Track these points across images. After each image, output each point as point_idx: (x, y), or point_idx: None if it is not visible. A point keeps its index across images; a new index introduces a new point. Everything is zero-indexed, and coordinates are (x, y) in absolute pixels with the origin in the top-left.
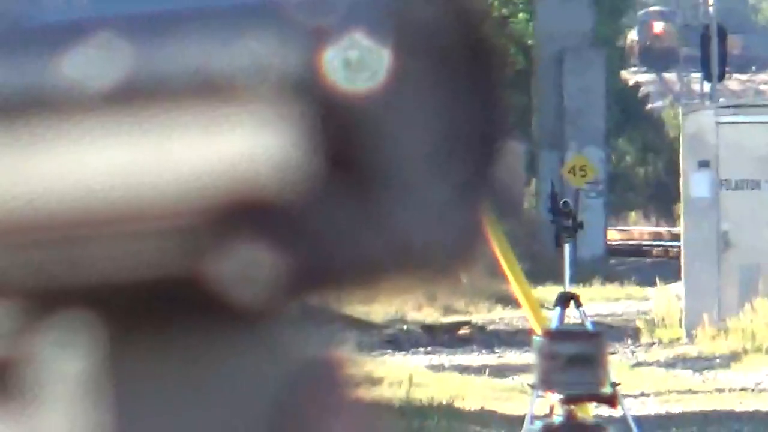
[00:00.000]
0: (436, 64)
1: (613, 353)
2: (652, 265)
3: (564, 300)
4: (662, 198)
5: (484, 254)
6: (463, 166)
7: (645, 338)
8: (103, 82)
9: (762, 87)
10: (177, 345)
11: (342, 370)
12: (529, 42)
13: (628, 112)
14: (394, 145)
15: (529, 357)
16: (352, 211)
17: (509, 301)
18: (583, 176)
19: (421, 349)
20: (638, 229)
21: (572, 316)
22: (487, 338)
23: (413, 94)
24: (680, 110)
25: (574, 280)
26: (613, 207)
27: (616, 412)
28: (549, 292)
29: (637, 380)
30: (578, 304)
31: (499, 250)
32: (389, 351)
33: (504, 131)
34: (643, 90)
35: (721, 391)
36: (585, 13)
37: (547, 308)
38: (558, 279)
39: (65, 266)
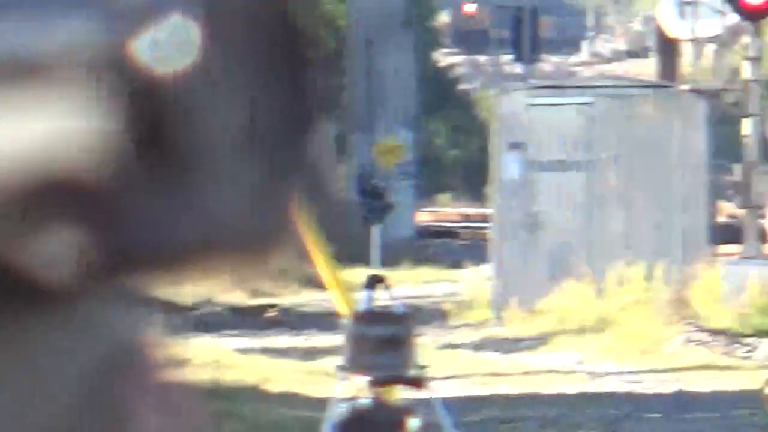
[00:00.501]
0: (246, 46)
1: (421, 335)
2: (462, 247)
3: (372, 282)
4: (474, 180)
5: (293, 236)
6: (273, 148)
7: (454, 320)
8: None
9: (574, 69)
10: None
11: (151, 352)
12: (340, 23)
13: (440, 94)
14: (204, 127)
15: (337, 339)
16: (162, 193)
17: (317, 283)
18: (393, 158)
19: (229, 332)
20: (448, 210)
21: (381, 298)
22: (295, 321)
23: (223, 77)
24: (492, 92)
25: (383, 262)
26: (424, 189)
27: (424, 395)
28: (358, 274)
29: (445, 362)
30: (387, 287)
31: (307, 231)
32: (198, 333)
33: (314, 113)
34: (455, 72)
35: (528, 373)
36: None
37: (356, 290)
38: (367, 261)
39: None
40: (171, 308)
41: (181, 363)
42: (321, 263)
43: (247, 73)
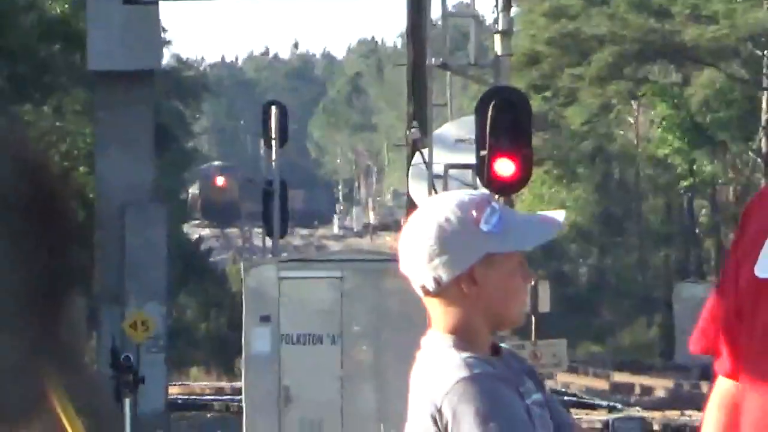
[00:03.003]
0: None
1: None
2: (213, 420)
3: None
4: (224, 353)
5: (45, 410)
6: (25, 322)
7: None
8: None
9: (323, 242)
10: None
11: None
12: (90, 195)
13: (191, 267)
14: None
15: None
16: None
17: None
18: (145, 331)
19: None
20: (199, 384)
21: None
22: None
23: None
24: (242, 265)
25: None
26: (175, 362)
27: None
28: None
29: None
30: None
31: (60, 406)
32: None
33: (66, 287)
34: (205, 244)
35: None
36: (146, 167)
37: None
38: None
39: None
40: None
41: None
42: None
43: (0, 246)
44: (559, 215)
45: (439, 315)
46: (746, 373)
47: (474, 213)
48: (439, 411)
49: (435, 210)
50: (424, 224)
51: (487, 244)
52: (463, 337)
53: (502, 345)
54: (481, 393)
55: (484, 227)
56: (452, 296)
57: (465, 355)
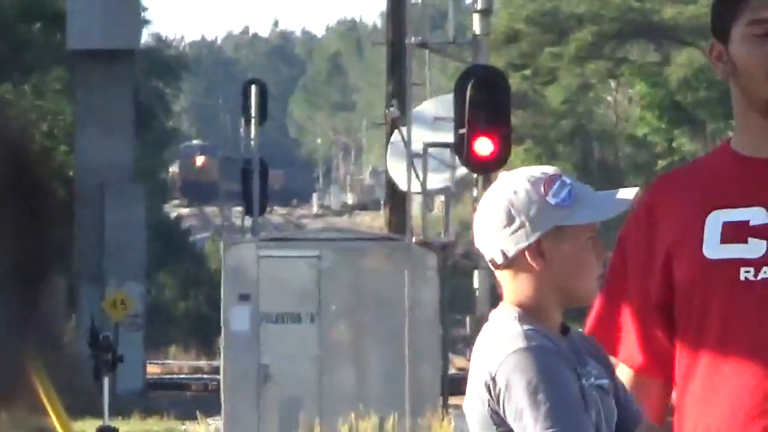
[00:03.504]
0: None
1: None
2: (192, 399)
3: None
4: (203, 331)
5: (25, 388)
6: (7, 303)
7: None
8: None
9: (302, 221)
10: None
11: None
12: (70, 174)
13: (170, 246)
14: None
15: None
16: None
17: None
18: (123, 310)
19: None
20: (178, 362)
21: None
22: None
23: None
24: (221, 244)
25: (114, 414)
26: (153, 341)
27: None
28: (89, 426)
29: None
30: None
31: (39, 383)
32: None
33: (46, 266)
34: (184, 223)
35: None
36: (125, 147)
37: None
38: (98, 413)
39: None
40: None
41: None
42: (53, 415)
43: None
44: (631, 192)
45: (508, 289)
46: (709, 357)
47: (543, 186)
48: (494, 380)
49: (506, 183)
50: (495, 197)
51: (555, 217)
52: (529, 311)
53: (579, 330)
54: (535, 365)
55: (552, 200)
56: (520, 269)
57: (525, 327)
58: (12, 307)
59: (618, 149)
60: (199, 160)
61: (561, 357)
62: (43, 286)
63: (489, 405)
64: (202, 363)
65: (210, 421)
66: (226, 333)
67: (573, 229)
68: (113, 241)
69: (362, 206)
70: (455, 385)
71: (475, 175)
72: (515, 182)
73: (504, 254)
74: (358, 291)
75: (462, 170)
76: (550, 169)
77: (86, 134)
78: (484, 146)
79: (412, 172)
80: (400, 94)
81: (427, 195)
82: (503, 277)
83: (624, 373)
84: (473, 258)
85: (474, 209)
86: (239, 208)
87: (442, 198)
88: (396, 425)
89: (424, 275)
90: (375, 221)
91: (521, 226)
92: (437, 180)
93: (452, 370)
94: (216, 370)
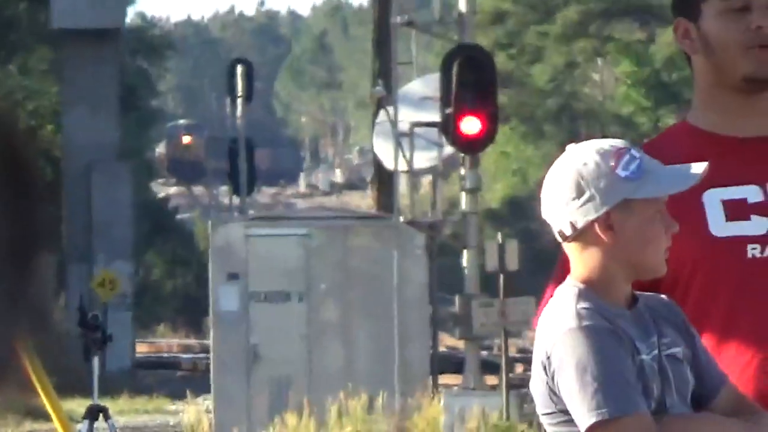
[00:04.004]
0: None
1: None
2: (181, 378)
3: (92, 413)
4: (191, 310)
5: (15, 368)
6: None
7: None
8: None
9: (290, 200)
10: None
11: None
12: (57, 153)
13: (157, 225)
14: None
15: None
16: None
17: (39, 414)
18: (111, 289)
19: None
20: (167, 341)
21: (102, 428)
22: None
23: None
24: (209, 223)
25: (103, 393)
26: (141, 320)
27: None
28: (78, 405)
29: None
30: (107, 417)
31: (28, 362)
32: None
33: (35, 245)
34: (171, 202)
35: None
36: (112, 126)
37: (77, 421)
38: (86, 392)
39: None
40: None
41: None
42: (42, 394)
43: None
44: (700, 167)
45: (576, 262)
46: (716, 335)
47: (612, 159)
48: (549, 359)
49: (575, 156)
50: (564, 169)
51: (623, 190)
52: (595, 285)
53: (659, 296)
54: (585, 345)
55: (621, 173)
56: (588, 242)
57: (582, 305)
58: (1, 287)
59: (604, 128)
60: (186, 139)
61: (615, 335)
62: (32, 266)
63: (547, 384)
64: (192, 342)
65: (199, 400)
66: (215, 312)
67: (641, 203)
68: (101, 221)
69: (350, 185)
70: (444, 363)
71: (462, 154)
72: (584, 154)
73: (573, 226)
74: (346, 270)
75: (449, 149)
76: (618, 142)
77: (72, 114)
78: (470, 125)
79: (399, 151)
80: (387, 74)
81: (415, 174)
82: (570, 249)
83: None
84: (461, 237)
85: (461, 188)
86: (226, 187)
87: (429, 177)
88: (385, 404)
89: (412, 254)
90: (363, 201)
91: (591, 198)
92: (424, 159)
93: (441, 349)
94: (206, 349)
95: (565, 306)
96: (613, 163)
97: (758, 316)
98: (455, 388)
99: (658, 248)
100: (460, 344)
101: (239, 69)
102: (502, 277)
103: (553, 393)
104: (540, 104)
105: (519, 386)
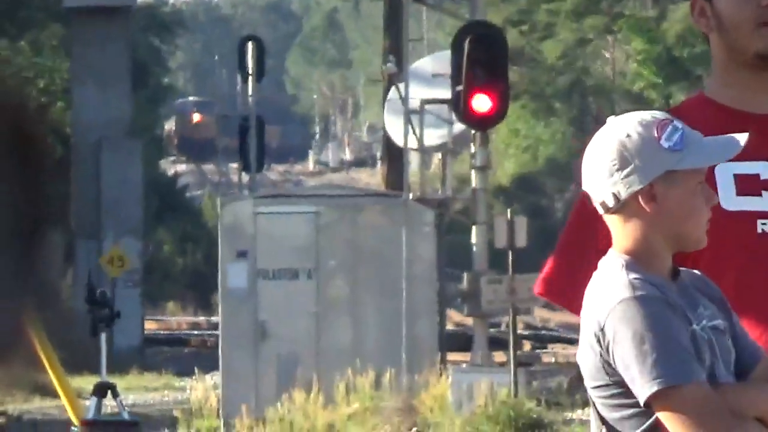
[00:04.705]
0: None
1: None
2: (190, 355)
3: (101, 390)
4: (200, 288)
5: (23, 343)
6: (4, 259)
7: (182, 429)
8: None
9: (300, 177)
10: None
11: None
12: (67, 130)
13: (167, 202)
14: None
15: None
16: None
17: (47, 390)
18: (120, 266)
19: None
20: (176, 318)
21: (110, 405)
22: (23, 428)
23: None
24: (218, 200)
25: (111, 370)
26: (150, 297)
27: None
28: (86, 382)
29: None
30: (115, 394)
31: (37, 339)
32: None
33: (44, 221)
34: (181, 180)
35: None
36: (122, 103)
37: (85, 398)
38: (95, 369)
39: None
40: None
41: None
42: (50, 370)
43: None
44: (742, 137)
45: (619, 233)
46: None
47: (656, 130)
48: (602, 330)
49: (617, 127)
50: (606, 140)
51: (667, 161)
52: (639, 257)
53: (693, 271)
54: (641, 315)
55: (665, 144)
56: (631, 213)
57: (633, 276)
58: (9, 263)
59: (615, 105)
60: (196, 116)
61: (669, 305)
62: (40, 242)
63: (601, 355)
64: (201, 319)
65: (208, 376)
66: (224, 289)
67: (684, 174)
68: (110, 197)
69: (360, 162)
70: (452, 340)
71: (472, 131)
72: (627, 126)
73: (616, 198)
74: (355, 247)
75: (459, 126)
76: (660, 114)
77: (83, 91)
78: (481, 102)
79: (410, 128)
80: (398, 51)
81: (425, 151)
82: (613, 221)
83: None
84: (470, 214)
85: (471, 165)
86: (236, 165)
87: (439, 154)
88: (393, 381)
89: (421, 231)
90: (372, 178)
91: (635, 169)
92: (434, 136)
93: (449, 326)
94: (214, 326)
95: (615, 277)
96: (656, 134)
97: (767, 290)
98: (463, 365)
99: (700, 220)
100: (469, 321)
101: (250, 46)
102: (510, 253)
103: (608, 365)
104: (551, 81)
105: (527, 363)
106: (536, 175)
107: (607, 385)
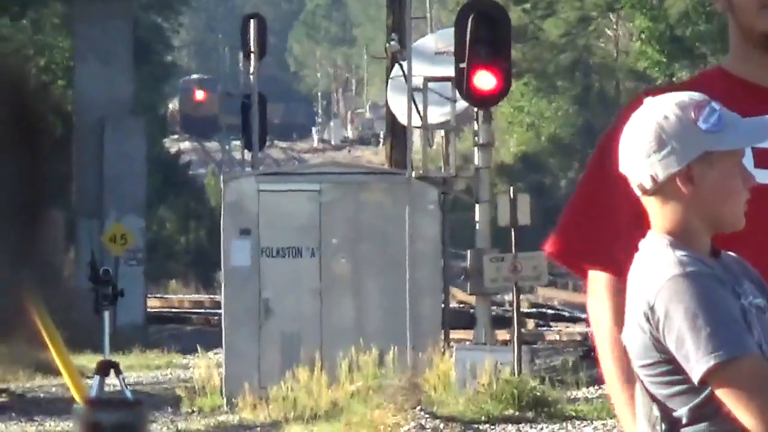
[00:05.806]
0: None
1: (153, 422)
2: (193, 333)
3: (103, 368)
4: (203, 265)
5: (25, 321)
6: (6, 237)
7: (185, 407)
8: None
9: (303, 155)
10: None
11: None
12: (69, 108)
13: (170, 180)
14: None
15: (70, 425)
16: None
17: (49, 369)
18: (123, 244)
19: None
20: (178, 296)
21: (113, 384)
22: (26, 406)
23: None
24: (221, 177)
25: (114, 348)
26: (153, 274)
27: None
28: (89, 360)
29: None
30: (118, 372)
31: (38, 317)
32: None
33: (45, 199)
34: (184, 158)
35: None
36: (125, 81)
37: (88, 376)
38: (97, 347)
39: None
40: None
41: None
42: (53, 348)
43: None
44: None
45: (657, 215)
46: None
47: (693, 111)
48: (652, 308)
49: (654, 108)
50: (644, 122)
51: (704, 142)
52: (679, 237)
53: (730, 252)
54: (693, 291)
55: (702, 125)
56: (669, 195)
57: (680, 253)
58: (11, 241)
59: (618, 83)
60: (199, 94)
61: (718, 280)
62: (42, 220)
63: (651, 333)
64: (204, 297)
65: (211, 354)
66: (227, 267)
67: (721, 155)
68: (113, 175)
69: (362, 140)
70: (456, 318)
71: (475, 109)
72: (665, 107)
73: (654, 179)
74: (358, 225)
75: (462, 104)
76: (697, 95)
77: (85, 69)
78: (484, 80)
79: (413, 106)
80: (401, 28)
81: (428, 129)
82: (650, 203)
83: (602, 281)
84: (473, 192)
85: (474, 143)
86: (239, 143)
87: (442, 132)
88: (396, 359)
89: (424, 209)
90: (375, 156)
91: (672, 151)
92: (438, 114)
93: (453, 304)
94: (217, 305)
95: (661, 255)
96: (693, 116)
97: None
98: (467, 343)
99: (737, 201)
100: (472, 299)
101: (252, 24)
102: (513, 231)
103: (658, 342)
104: (553, 59)
105: (530, 342)
106: (539, 153)
107: (656, 363)
